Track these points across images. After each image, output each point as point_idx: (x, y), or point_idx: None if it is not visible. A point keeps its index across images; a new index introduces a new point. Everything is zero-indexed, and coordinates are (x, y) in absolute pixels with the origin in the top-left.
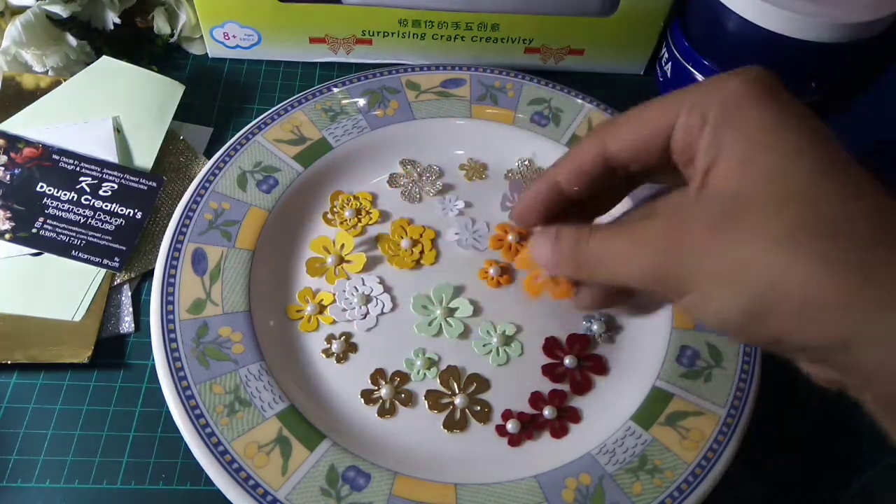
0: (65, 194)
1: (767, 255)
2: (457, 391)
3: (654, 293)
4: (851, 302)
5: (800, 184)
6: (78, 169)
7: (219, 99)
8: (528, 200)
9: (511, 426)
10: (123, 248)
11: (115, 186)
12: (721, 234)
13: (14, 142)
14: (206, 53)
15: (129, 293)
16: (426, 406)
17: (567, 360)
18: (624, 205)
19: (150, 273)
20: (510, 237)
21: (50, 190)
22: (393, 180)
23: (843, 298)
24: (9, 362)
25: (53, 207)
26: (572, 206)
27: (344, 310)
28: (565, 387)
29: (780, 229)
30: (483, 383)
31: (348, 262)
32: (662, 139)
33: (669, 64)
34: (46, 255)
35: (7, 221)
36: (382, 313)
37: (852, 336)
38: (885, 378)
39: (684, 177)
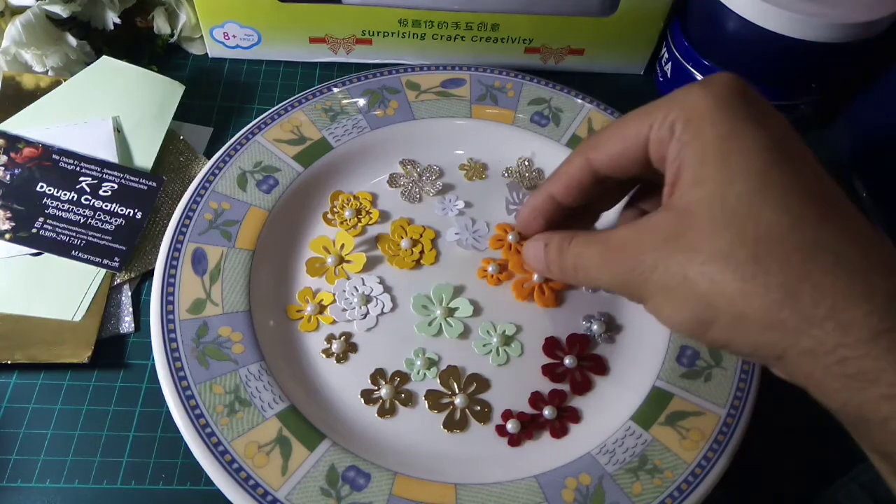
0: (65, 194)
1: (705, 272)
2: (457, 391)
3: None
4: (777, 318)
5: (740, 202)
6: (78, 169)
7: (219, 99)
8: (528, 214)
9: (511, 426)
10: (123, 248)
11: (115, 186)
12: (670, 248)
13: (14, 142)
14: (206, 53)
15: (129, 293)
16: (426, 406)
17: (567, 360)
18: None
19: (150, 273)
20: (510, 237)
21: (50, 190)
22: (393, 180)
23: (771, 315)
24: (9, 362)
25: (53, 207)
26: (574, 210)
27: (344, 310)
28: (565, 387)
29: (718, 248)
30: (483, 383)
31: (348, 262)
32: (641, 151)
33: (669, 64)
34: (46, 255)
35: (7, 221)
36: (382, 313)
37: (781, 350)
38: (816, 389)
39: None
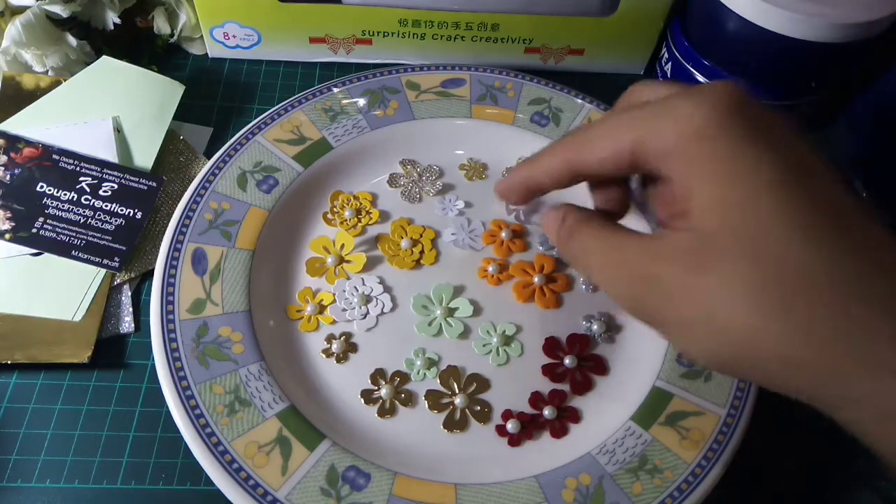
0: (65, 194)
1: (737, 312)
2: (457, 391)
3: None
4: (819, 363)
5: (766, 234)
6: (78, 169)
7: (219, 99)
8: (504, 189)
9: (511, 426)
10: (123, 248)
11: (115, 186)
12: (694, 277)
13: (14, 142)
14: (206, 53)
15: (129, 293)
16: (426, 406)
17: (567, 360)
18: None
19: (150, 273)
20: (503, 234)
21: (50, 190)
22: (393, 180)
23: (809, 359)
24: (9, 362)
25: (53, 207)
26: None
27: (344, 310)
28: (565, 387)
29: (749, 287)
30: (483, 383)
31: (348, 262)
32: (628, 159)
33: (669, 64)
34: (46, 255)
35: (7, 221)
36: (382, 313)
37: (819, 394)
38: (856, 428)
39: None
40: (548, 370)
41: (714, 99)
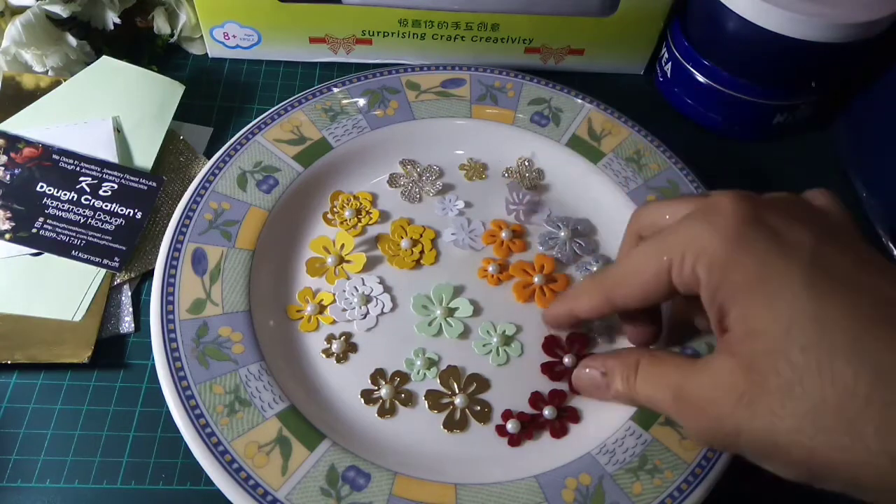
0: (65, 194)
1: (796, 442)
2: (457, 391)
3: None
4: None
5: (807, 359)
6: (78, 169)
7: (219, 99)
8: (552, 321)
9: (511, 426)
10: (123, 248)
11: (115, 186)
12: (747, 412)
13: (14, 142)
14: (206, 53)
15: (129, 293)
16: (426, 406)
17: (567, 359)
18: None
19: (150, 273)
20: (503, 234)
21: (50, 190)
22: (393, 180)
23: (885, 482)
24: (9, 362)
25: (53, 207)
26: None
27: (344, 310)
28: (564, 385)
29: (800, 415)
30: (483, 383)
31: (348, 262)
32: (665, 289)
33: (669, 64)
34: (46, 255)
35: (7, 221)
36: (382, 313)
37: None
38: None
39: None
40: (547, 368)
41: (726, 218)
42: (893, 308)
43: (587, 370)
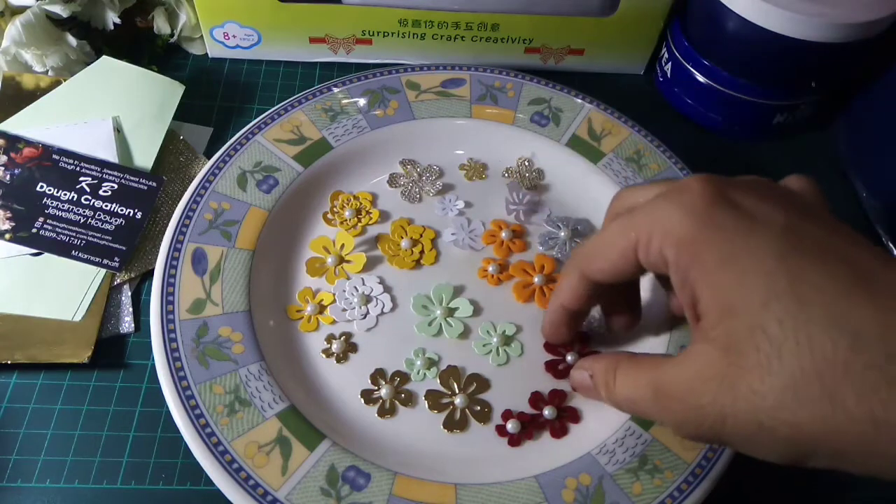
0: (65, 194)
1: (779, 418)
2: (457, 391)
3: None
4: (875, 449)
5: (784, 330)
6: (78, 169)
7: (219, 99)
8: (549, 328)
9: (511, 426)
10: (123, 248)
11: (115, 186)
12: (729, 394)
13: (14, 142)
14: (206, 53)
15: (129, 293)
16: (426, 406)
17: (569, 357)
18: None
19: (150, 273)
20: (503, 234)
21: (50, 190)
22: (393, 180)
23: (869, 446)
24: (9, 362)
25: (53, 207)
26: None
27: (344, 310)
28: (565, 385)
29: (782, 389)
30: (483, 383)
31: (348, 262)
32: (633, 265)
33: (669, 64)
34: (46, 255)
35: (7, 221)
36: (382, 313)
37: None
38: None
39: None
40: (550, 366)
41: (693, 198)
42: (867, 275)
43: (579, 372)
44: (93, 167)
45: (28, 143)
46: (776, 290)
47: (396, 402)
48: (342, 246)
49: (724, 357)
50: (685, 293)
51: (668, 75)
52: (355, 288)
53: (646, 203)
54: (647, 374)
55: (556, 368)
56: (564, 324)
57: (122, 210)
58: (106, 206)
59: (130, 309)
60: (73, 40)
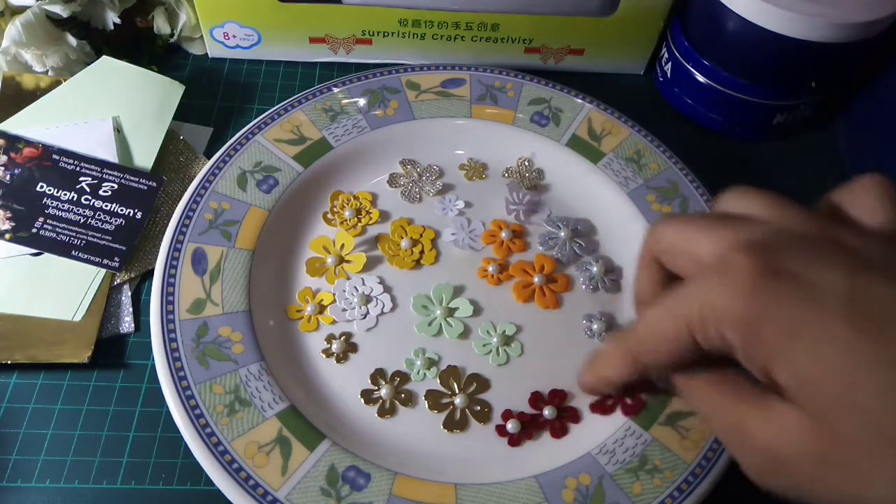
0: (65, 194)
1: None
2: (457, 391)
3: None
4: None
5: (883, 409)
6: (78, 169)
7: (219, 99)
8: (592, 392)
9: (511, 426)
10: (123, 248)
11: (115, 186)
12: (829, 472)
13: (14, 142)
14: (206, 53)
15: (129, 293)
16: (426, 406)
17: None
18: None
19: (150, 273)
20: (503, 234)
21: (50, 190)
22: (393, 180)
23: None
24: (9, 362)
25: (53, 207)
26: None
27: (344, 310)
28: (565, 385)
29: (889, 477)
30: (483, 383)
31: (348, 262)
32: (690, 349)
33: (669, 64)
34: (46, 255)
35: (7, 221)
36: (382, 313)
37: None
38: None
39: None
40: (597, 408)
41: (742, 276)
42: None
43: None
44: (93, 167)
45: (28, 143)
46: (859, 361)
47: (396, 402)
48: (342, 246)
49: (818, 431)
50: (756, 370)
51: (668, 75)
52: (355, 288)
53: (688, 285)
54: (726, 406)
55: (604, 407)
56: (610, 391)
57: (122, 210)
58: (106, 206)
59: (130, 309)
60: (73, 40)
